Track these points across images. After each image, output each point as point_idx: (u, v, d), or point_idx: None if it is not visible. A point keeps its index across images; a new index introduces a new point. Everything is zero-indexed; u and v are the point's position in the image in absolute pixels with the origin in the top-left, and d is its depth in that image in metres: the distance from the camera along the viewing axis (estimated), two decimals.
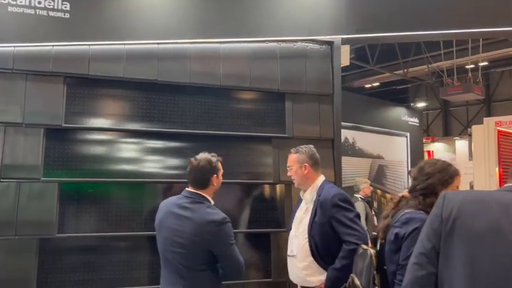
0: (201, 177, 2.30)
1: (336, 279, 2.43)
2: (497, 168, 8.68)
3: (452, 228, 1.44)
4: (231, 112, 3.32)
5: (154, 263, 2.87)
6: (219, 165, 2.37)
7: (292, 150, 2.80)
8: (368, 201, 5.72)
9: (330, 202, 2.53)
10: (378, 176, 8.11)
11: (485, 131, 8.63)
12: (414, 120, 8.81)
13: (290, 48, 3.48)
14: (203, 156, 2.33)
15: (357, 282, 2.02)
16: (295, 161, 2.74)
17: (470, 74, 12.13)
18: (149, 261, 2.97)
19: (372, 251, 2.03)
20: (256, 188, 3.39)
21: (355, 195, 5.89)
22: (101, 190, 3.01)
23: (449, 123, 22.01)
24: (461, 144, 12.53)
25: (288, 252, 2.71)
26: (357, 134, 7.53)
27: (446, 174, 2.03)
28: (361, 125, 7.26)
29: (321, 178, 2.77)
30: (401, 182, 8.76)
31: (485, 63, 15.68)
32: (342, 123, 6.86)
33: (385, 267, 1.99)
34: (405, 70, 15.09)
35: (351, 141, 7.23)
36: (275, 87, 3.41)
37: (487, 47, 13.13)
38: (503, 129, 8.50)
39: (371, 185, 5.97)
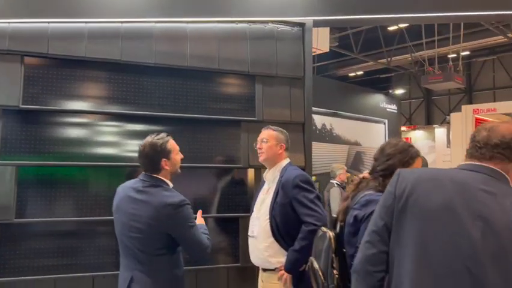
0: (149, 163, 2.22)
1: (296, 261, 2.41)
2: None
3: (405, 205, 1.40)
4: (199, 94, 3.24)
5: (115, 248, 2.80)
6: (170, 146, 2.26)
7: (270, 127, 2.78)
8: (344, 187, 5.72)
9: (291, 183, 2.52)
10: (356, 162, 8.09)
11: (463, 118, 8.71)
12: (392, 107, 8.79)
13: (260, 29, 3.40)
14: (148, 140, 2.23)
15: (315, 265, 1.98)
16: (274, 137, 2.71)
17: (450, 62, 12.22)
18: (111, 247, 2.89)
19: (331, 234, 1.99)
20: (225, 172, 3.33)
21: (331, 181, 5.89)
22: (61, 174, 2.91)
23: (432, 112, 22.26)
24: (440, 132, 12.66)
25: (249, 233, 2.70)
26: (335, 121, 7.46)
27: (407, 155, 2.00)
28: (339, 112, 7.21)
29: (286, 160, 2.75)
30: None
31: (467, 52, 15.85)
32: (319, 109, 6.86)
33: (344, 250, 1.95)
34: (389, 59, 15.15)
35: (328, 127, 7.17)
36: (245, 69, 3.33)
37: (469, 37, 13.23)
38: (480, 116, 8.58)
39: (347, 171, 5.98)
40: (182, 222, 2.13)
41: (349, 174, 6.05)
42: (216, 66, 3.25)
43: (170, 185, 2.28)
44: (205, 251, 2.20)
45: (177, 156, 2.31)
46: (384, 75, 20.43)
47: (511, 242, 1.27)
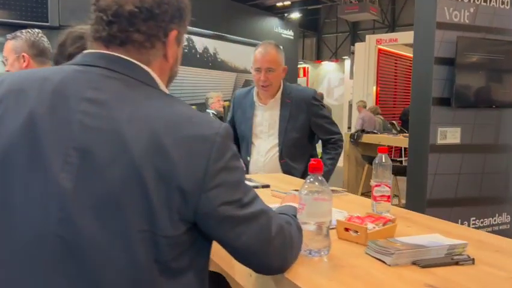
0: None
1: None
2: (374, 87, 8.62)
3: None
4: None
5: None
6: None
7: (8, 36, 2.09)
8: (221, 117, 5.22)
9: None
10: None
11: (367, 48, 8.40)
12: (288, 33, 8.13)
13: None
14: None
15: None
16: (10, 50, 2.05)
17: None
18: None
19: None
20: None
21: (207, 110, 5.36)
22: None
23: None
24: (348, 63, 12.46)
25: None
26: (220, 44, 6.64)
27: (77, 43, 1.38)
28: (225, 34, 6.46)
29: None
30: None
31: None
32: (201, 30, 6.12)
33: None
34: None
35: (212, 51, 6.42)
36: None
37: None
38: (383, 47, 8.32)
39: (225, 100, 5.45)
40: None
41: (227, 103, 5.53)
42: None
43: None
44: None
45: None
46: (312, 7, 19.76)
47: (124, 180, 0.74)
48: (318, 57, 22.56)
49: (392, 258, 0.97)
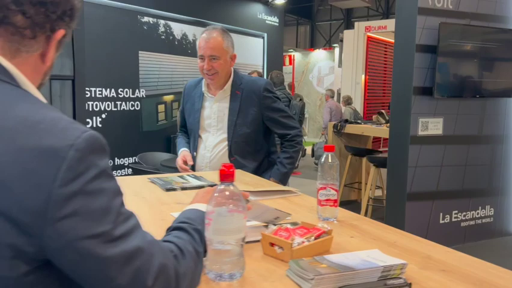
0: None
1: None
2: (363, 76, 8.42)
3: None
4: None
5: None
6: None
7: None
8: None
9: None
10: None
11: (355, 36, 8.20)
12: (273, 20, 7.87)
13: None
14: None
15: None
16: None
17: None
18: None
19: None
20: None
21: None
22: None
23: None
24: (338, 51, 12.25)
25: None
26: (200, 31, 6.34)
27: None
28: (205, 21, 6.22)
29: None
30: None
31: None
32: (178, 15, 5.88)
33: None
34: None
35: (191, 38, 6.18)
36: None
37: None
38: (372, 34, 8.11)
39: None
40: None
41: None
42: None
43: None
44: None
45: None
46: None
47: None
48: (312, 45, 22.34)
49: (311, 284, 0.81)
